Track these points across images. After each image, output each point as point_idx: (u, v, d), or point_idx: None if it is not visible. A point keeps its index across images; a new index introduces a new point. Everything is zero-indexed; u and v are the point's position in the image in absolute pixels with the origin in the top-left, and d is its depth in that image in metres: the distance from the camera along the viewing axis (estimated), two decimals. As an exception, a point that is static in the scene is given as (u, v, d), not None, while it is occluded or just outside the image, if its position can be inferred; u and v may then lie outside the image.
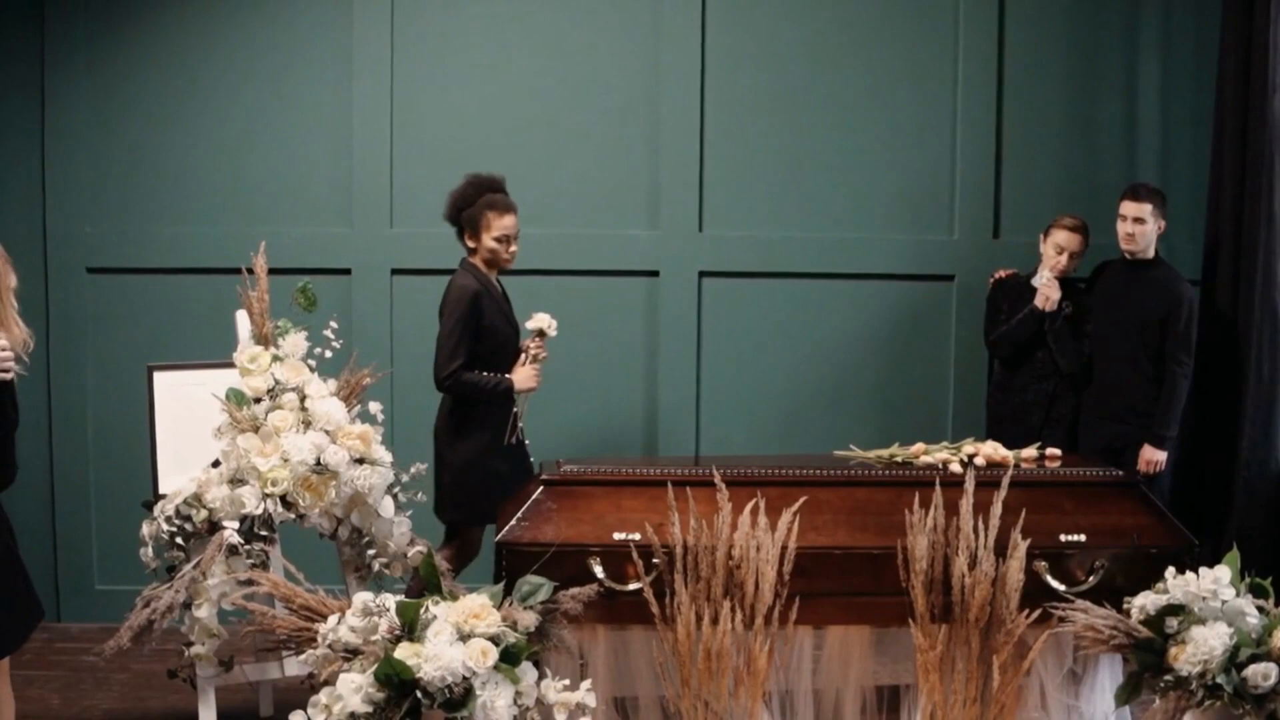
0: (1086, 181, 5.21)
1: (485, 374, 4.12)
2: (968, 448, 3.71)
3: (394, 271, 5.07)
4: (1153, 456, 4.61)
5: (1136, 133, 5.25)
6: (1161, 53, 5.23)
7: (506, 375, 4.15)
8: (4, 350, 3.00)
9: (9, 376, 3.01)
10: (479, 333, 4.12)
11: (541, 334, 4.21)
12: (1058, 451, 3.82)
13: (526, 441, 4.27)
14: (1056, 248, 4.72)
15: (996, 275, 4.96)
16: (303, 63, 5.05)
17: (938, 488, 3.35)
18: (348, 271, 5.05)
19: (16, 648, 3.17)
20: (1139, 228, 4.60)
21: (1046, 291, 4.71)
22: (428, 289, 5.01)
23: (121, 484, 4.90)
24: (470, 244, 4.22)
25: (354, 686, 2.94)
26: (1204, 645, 3.11)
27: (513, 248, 4.21)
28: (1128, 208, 4.63)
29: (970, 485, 3.35)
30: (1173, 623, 3.20)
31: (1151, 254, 4.68)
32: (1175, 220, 4.87)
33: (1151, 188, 4.67)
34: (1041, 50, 5.20)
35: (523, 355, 4.22)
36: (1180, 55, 5.24)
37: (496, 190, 4.22)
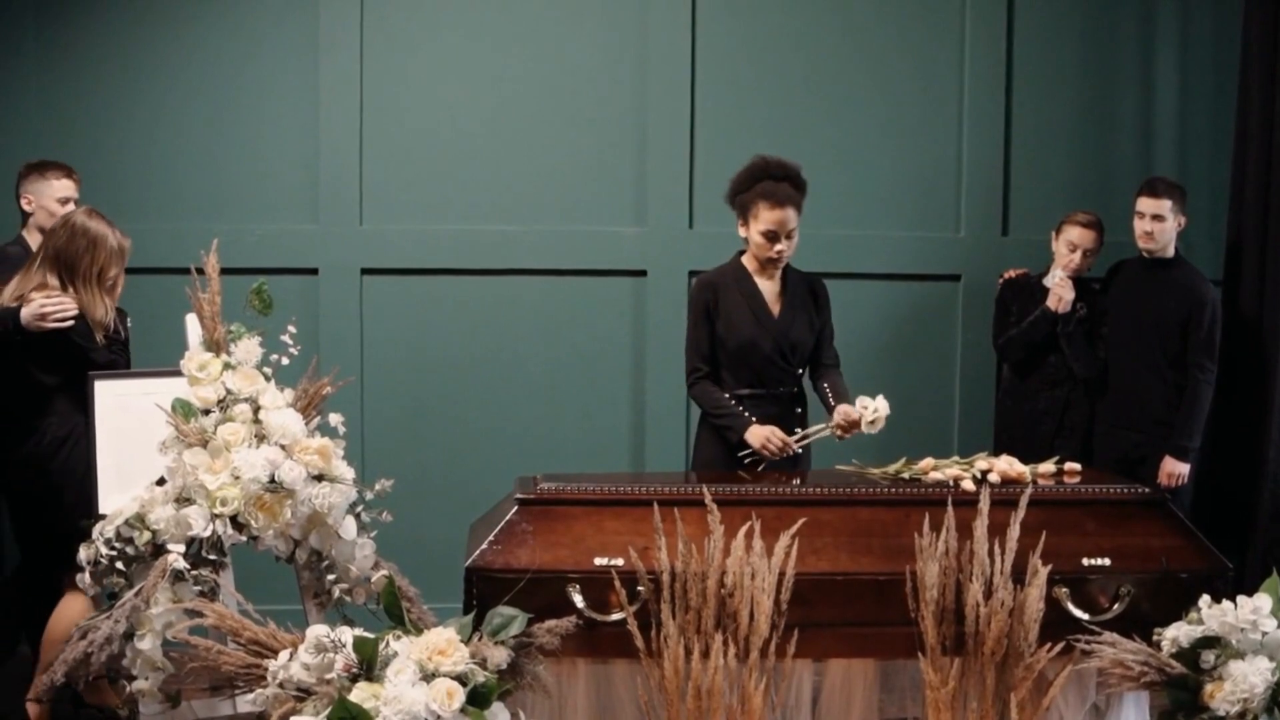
0: (1100, 175, 5.12)
1: (728, 404, 3.85)
2: (981, 463, 3.52)
3: (364, 271, 4.94)
4: (1174, 469, 4.46)
5: (1152, 123, 5.17)
6: (1179, 38, 5.15)
7: (748, 419, 3.83)
8: (63, 302, 3.80)
9: (65, 324, 3.81)
10: (714, 331, 3.89)
11: (852, 425, 3.75)
12: (1077, 466, 3.63)
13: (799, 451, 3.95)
14: (1069, 245, 4.60)
15: (1006, 275, 4.84)
16: (267, 49, 4.91)
17: (949, 507, 3.16)
18: (314, 271, 4.92)
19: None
20: (1158, 225, 4.48)
21: (1059, 292, 4.57)
22: (400, 290, 4.97)
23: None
24: (742, 233, 3.95)
25: (305, 732, 2.72)
26: (1243, 682, 2.91)
27: (779, 245, 3.88)
28: (1146, 204, 4.50)
29: (985, 505, 3.15)
30: (1208, 657, 2.99)
31: (1171, 253, 4.56)
32: (1192, 216, 4.77)
33: (1170, 182, 4.55)
34: (1053, 37, 5.11)
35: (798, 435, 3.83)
36: (1199, 41, 5.15)
37: (779, 178, 3.89)
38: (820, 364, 4.05)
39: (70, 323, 3.83)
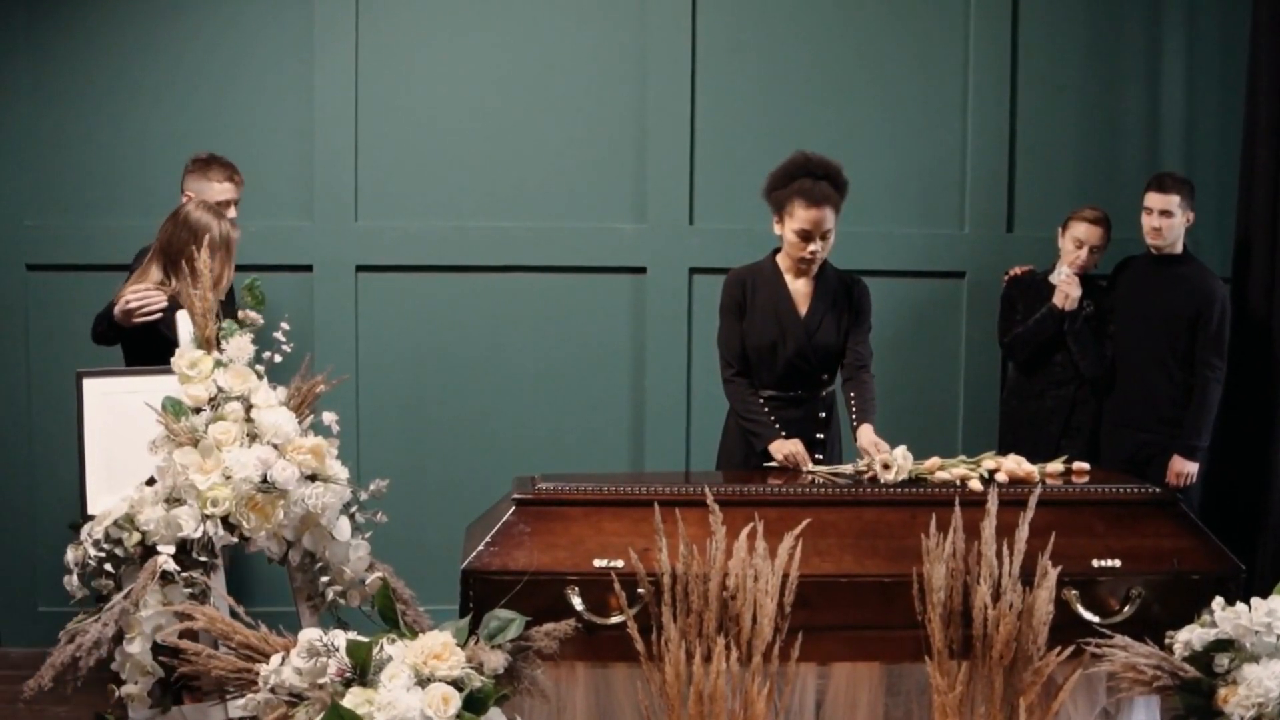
0: (1106, 171, 5.09)
1: (759, 410, 3.82)
2: (988, 462, 3.47)
3: (359, 268, 4.90)
4: (1183, 468, 4.42)
5: (1159, 118, 5.14)
6: (1186, 32, 5.12)
7: (776, 430, 3.78)
8: (150, 293, 3.79)
9: (152, 318, 3.81)
10: (743, 329, 3.87)
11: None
12: (1085, 466, 3.59)
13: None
14: (1076, 242, 4.55)
15: (1011, 272, 4.80)
16: (262, 45, 4.87)
17: (956, 508, 3.10)
18: (309, 268, 4.88)
19: None
20: (1166, 221, 4.45)
21: (1066, 289, 4.53)
22: (395, 287, 4.93)
23: (65, 497, 4.62)
24: (777, 230, 3.88)
25: (297, 738, 2.68)
26: (1258, 686, 2.86)
27: (812, 246, 3.80)
28: (1154, 199, 4.47)
29: (993, 505, 3.10)
30: (1222, 660, 2.95)
31: (1179, 249, 4.53)
32: (1200, 213, 4.73)
33: (1179, 177, 4.52)
34: (1058, 30, 5.08)
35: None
36: (1206, 34, 5.11)
37: (819, 176, 3.80)
38: (849, 365, 3.95)
39: (159, 315, 3.84)
